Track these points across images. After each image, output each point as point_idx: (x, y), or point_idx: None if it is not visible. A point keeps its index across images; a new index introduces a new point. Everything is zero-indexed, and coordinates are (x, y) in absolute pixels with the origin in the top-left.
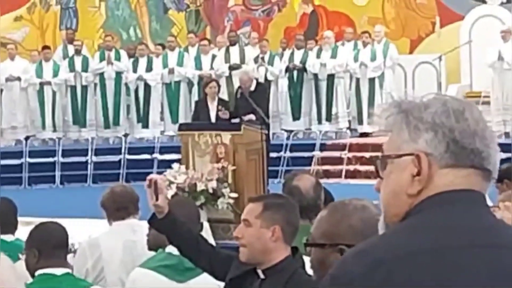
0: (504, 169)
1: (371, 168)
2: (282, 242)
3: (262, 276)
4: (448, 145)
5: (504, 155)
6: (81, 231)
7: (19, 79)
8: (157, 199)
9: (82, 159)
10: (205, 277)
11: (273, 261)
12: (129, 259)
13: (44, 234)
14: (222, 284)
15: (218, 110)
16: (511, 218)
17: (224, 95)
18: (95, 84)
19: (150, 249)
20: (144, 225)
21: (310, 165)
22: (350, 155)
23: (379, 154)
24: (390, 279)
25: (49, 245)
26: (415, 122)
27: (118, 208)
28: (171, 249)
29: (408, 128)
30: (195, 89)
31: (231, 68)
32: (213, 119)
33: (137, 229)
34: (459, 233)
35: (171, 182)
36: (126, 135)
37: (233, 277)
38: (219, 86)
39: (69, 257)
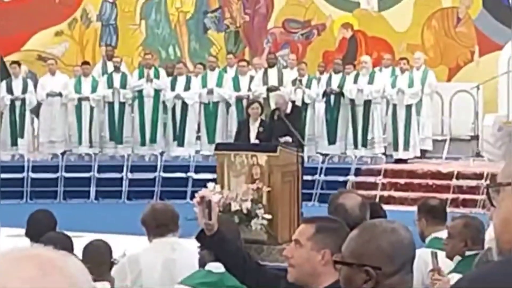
0: None
1: (406, 194)
2: (331, 266)
3: None
4: None
5: None
6: (115, 247)
7: (60, 94)
8: (209, 218)
9: (118, 175)
10: None
11: (321, 285)
12: (168, 276)
13: (94, 252)
14: None
15: (258, 132)
16: None
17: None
18: (133, 101)
19: (201, 266)
20: (184, 242)
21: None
22: (385, 180)
23: (491, 182)
24: None
25: (97, 262)
26: None
27: (158, 225)
28: (211, 266)
29: None
30: (232, 110)
31: (269, 90)
32: (252, 140)
33: (176, 247)
34: None
35: None
36: (162, 153)
37: None
38: (262, 107)
39: None
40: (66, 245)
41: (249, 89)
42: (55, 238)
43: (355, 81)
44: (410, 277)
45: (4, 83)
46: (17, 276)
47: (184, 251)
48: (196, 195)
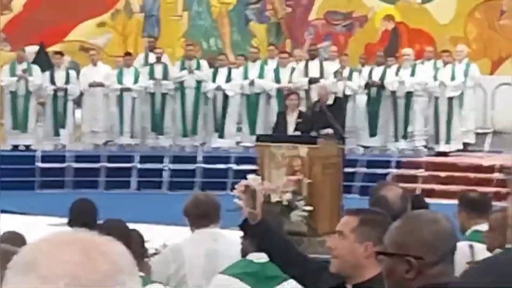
0: None
1: (447, 187)
2: (374, 259)
3: None
4: None
5: None
6: (156, 237)
7: (101, 85)
8: (254, 207)
9: (159, 166)
10: (283, 286)
11: (363, 277)
12: (210, 267)
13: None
14: None
15: (297, 123)
16: None
17: (303, 108)
18: (175, 92)
19: (244, 256)
20: (225, 233)
21: None
22: (426, 173)
23: None
24: None
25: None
26: None
27: (201, 216)
28: (253, 256)
29: None
30: (273, 101)
31: (310, 81)
32: (290, 131)
33: (218, 237)
34: None
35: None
36: (202, 144)
37: None
38: (299, 98)
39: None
40: (124, 232)
41: (290, 81)
42: (114, 225)
43: (397, 74)
44: (452, 268)
45: (47, 73)
46: (61, 260)
47: (226, 241)
48: (236, 186)
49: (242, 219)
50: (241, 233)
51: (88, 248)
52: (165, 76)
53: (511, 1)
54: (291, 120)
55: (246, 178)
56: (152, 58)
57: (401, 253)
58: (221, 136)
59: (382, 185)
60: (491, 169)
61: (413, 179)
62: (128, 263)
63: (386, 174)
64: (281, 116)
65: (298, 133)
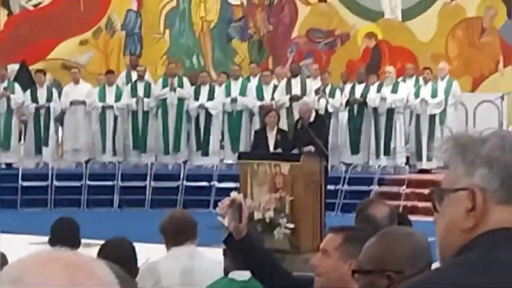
0: None
1: (430, 204)
2: None
3: None
4: (502, 181)
5: None
6: (138, 255)
7: (83, 103)
8: (240, 221)
9: (141, 183)
10: None
11: None
12: (186, 283)
13: (116, 249)
14: None
15: (276, 140)
16: None
17: (284, 126)
18: (157, 110)
19: (225, 275)
20: (202, 251)
21: None
22: (409, 191)
23: (435, 188)
24: None
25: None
26: (471, 156)
27: (176, 233)
28: (234, 275)
29: (465, 163)
30: (256, 118)
31: (292, 99)
32: (271, 148)
33: (195, 255)
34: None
35: None
36: (185, 162)
37: None
38: (278, 115)
39: None
40: (129, 251)
41: (272, 98)
42: (118, 244)
43: (378, 91)
44: None
45: (28, 91)
46: (46, 278)
47: (203, 259)
48: (219, 203)
49: (225, 235)
50: (221, 252)
51: (72, 266)
52: (148, 94)
53: (491, 19)
54: (271, 137)
55: (229, 196)
56: (134, 76)
57: (380, 269)
58: (205, 154)
59: (369, 202)
60: None
61: (396, 196)
62: (111, 281)
63: (369, 192)
64: (260, 134)
65: (278, 150)
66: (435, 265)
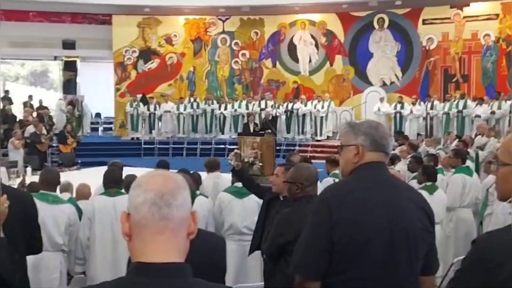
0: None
1: (322, 155)
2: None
3: (281, 199)
4: (371, 141)
5: None
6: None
7: (169, 111)
8: (239, 162)
9: (200, 146)
10: (251, 197)
11: (284, 193)
12: (216, 189)
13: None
14: (260, 200)
15: (254, 127)
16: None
17: (257, 121)
18: (202, 114)
19: (232, 184)
20: (223, 175)
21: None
22: (312, 149)
23: (339, 145)
24: (338, 205)
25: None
26: (356, 130)
27: (212, 166)
28: (236, 184)
29: (353, 133)
30: (245, 118)
31: (261, 109)
32: (251, 131)
33: (219, 176)
34: (376, 179)
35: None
36: (214, 137)
37: (268, 199)
38: (254, 116)
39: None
40: (195, 174)
41: (252, 109)
42: (186, 171)
43: (304, 105)
44: (316, 189)
45: (146, 106)
46: (152, 183)
47: (223, 177)
48: (229, 154)
49: (231, 168)
50: (230, 175)
51: (165, 176)
52: (197, 107)
53: (348, 74)
54: (251, 126)
55: (233, 151)
56: (192, 99)
57: (294, 181)
58: (222, 133)
59: (291, 154)
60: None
61: (305, 151)
62: (184, 185)
63: (293, 149)
64: (246, 125)
65: (256, 132)
66: (325, 181)
